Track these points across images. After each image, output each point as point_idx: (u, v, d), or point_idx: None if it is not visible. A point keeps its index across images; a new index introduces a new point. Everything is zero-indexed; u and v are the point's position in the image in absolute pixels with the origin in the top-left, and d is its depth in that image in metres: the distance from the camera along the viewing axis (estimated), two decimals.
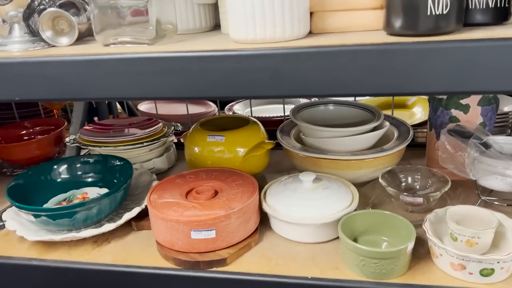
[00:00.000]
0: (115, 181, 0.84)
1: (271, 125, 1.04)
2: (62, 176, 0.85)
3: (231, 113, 1.28)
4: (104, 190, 0.86)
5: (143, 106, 1.33)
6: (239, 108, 1.30)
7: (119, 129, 1.03)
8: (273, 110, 1.32)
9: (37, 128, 1.18)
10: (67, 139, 1.01)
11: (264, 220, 0.75)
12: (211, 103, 1.36)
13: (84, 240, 0.75)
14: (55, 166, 0.85)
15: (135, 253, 0.71)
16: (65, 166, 0.86)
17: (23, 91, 0.56)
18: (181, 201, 0.70)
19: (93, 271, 0.69)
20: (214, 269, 0.66)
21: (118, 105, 1.35)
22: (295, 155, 0.87)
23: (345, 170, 0.82)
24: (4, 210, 0.88)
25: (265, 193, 0.76)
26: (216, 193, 0.74)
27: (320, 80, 0.48)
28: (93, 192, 0.86)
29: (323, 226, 0.69)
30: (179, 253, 0.67)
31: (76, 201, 0.83)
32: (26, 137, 1.17)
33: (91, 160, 0.87)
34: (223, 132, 0.90)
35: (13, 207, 0.80)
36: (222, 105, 1.37)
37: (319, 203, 0.70)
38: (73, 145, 0.97)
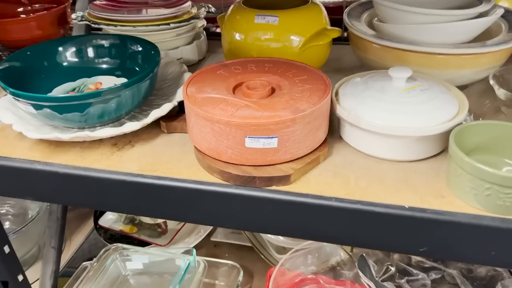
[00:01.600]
0: (137, 69, 0.65)
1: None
2: (70, 59, 0.66)
3: None
4: (123, 80, 0.67)
5: None
6: None
7: (136, 7, 0.81)
8: None
9: (36, 5, 0.97)
10: (73, 16, 0.80)
11: (332, 130, 0.58)
12: None
13: (100, 141, 0.59)
14: (61, 48, 0.66)
15: (167, 161, 0.55)
16: (74, 47, 0.66)
17: None
18: (229, 98, 0.52)
19: (113, 182, 0.53)
20: (274, 187, 0.50)
21: None
22: (370, 47, 0.66)
23: (440, 68, 0.62)
24: None
25: (336, 93, 0.58)
26: (273, 90, 0.55)
27: None
28: (109, 82, 0.67)
29: (422, 140, 0.51)
30: (227, 164, 0.51)
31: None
32: (24, 15, 0.96)
33: (106, 41, 0.67)
34: (275, 11, 0.68)
35: (8, 95, 0.63)
36: None
37: (418, 109, 0.51)
38: (82, 22, 0.76)
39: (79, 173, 0.54)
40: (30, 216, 0.97)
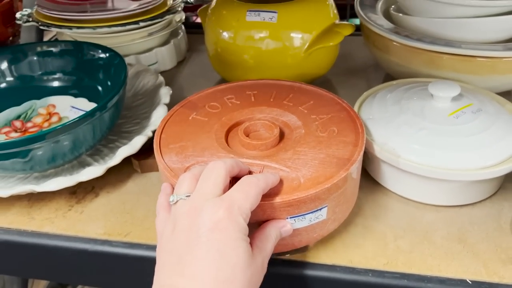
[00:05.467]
0: (99, 87, 0.51)
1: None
2: (8, 77, 0.51)
3: None
4: (82, 101, 0.53)
5: None
6: None
7: (100, 1, 0.66)
8: None
9: None
10: (17, 15, 0.64)
11: None
12: None
13: (54, 191, 0.45)
14: None
15: (142, 218, 0.41)
16: (10, 60, 0.51)
17: None
18: (231, 158, 0.36)
19: (71, 252, 0.40)
20: (287, 257, 0.37)
21: None
22: (391, 46, 0.53)
23: (482, 74, 0.49)
24: None
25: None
26: (281, 134, 0.40)
27: None
28: (64, 104, 0.53)
29: (479, 182, 0.39)
30: None
31: (38, 119, 0.51)
32: None
33: (56, 49, 0.52)
34: (272, 5, 0.54)
35: None
36: None
37: (473, 142, 0.39)
38: (28, 24, 0.61)
39: (25, 241, 0.40)
40: None
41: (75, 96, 0.53)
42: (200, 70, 0.68)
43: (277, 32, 0.53)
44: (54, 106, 0.53)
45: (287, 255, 0.37)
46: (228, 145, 0.39)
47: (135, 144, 0.45)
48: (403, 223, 0.39)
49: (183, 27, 0.72)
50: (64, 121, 0.51)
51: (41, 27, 0.60)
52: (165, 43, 0.68)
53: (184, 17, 0.72)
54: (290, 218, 0.33)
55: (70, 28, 0.58)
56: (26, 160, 0.41)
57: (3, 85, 0.51)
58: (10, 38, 0.78)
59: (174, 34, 0.70)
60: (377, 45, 0.56)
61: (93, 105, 0.52)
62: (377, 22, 0.55)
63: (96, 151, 0.48)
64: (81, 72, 0.51)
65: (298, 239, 0.35)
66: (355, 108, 0.45)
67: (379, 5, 0.60)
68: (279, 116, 0.42)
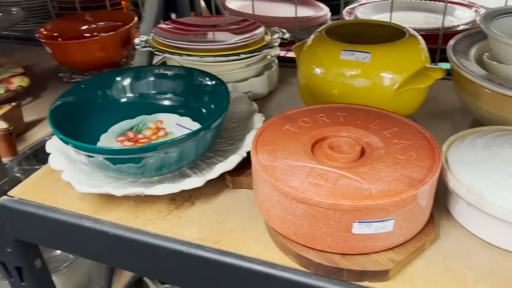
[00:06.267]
0: (203, 109, 0.57)
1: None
2: (128, 94, 0.59)
3: (352, 18, 0.92)
4: (186, 120, 0.59)
5: (234, 3, 1.01)
6: (364, 12, 0.94)
7: (204, 31, 0.74)
8: (415, 20, 0.95)
9: (101, 23, 0.93)
10: (136, 41, 0.73)
11: (436, 200, 0.46)
12: (322, 5, 1.01)
13: (156, 196, 0.51)
14: (119, 78, 0.59)
15: (231, 230, 0.46)
16: (132, 79, 0.59)
17: None
18: (315, 166, 0.41)
19: (168, 251, 0.45)
20: (366, 283, 0.39)
21: (202, 1, 1.04)
22: (483, 93, 0.54)
23: None
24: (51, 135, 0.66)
25: (445, 159, 0.46)
26: (362, 150, 0.44)
27: None
28: (171, 121, 0.60)
29: None
30: (307, 248, 0.40)
31: (147, 132, 0.58)
32: (88, 34, 0.92)
33: (170, 73, 0.59)
34: (366, 46, 0.58)
35: None
36: (333, 9, 1.02)
37: None
38: (145, 49, 0.70)
39: (130, 236, 0.46)
40: None
41: (181, 115, 0.60)
42: (288, 101, 0.73)
43: (369, 71, 0.56)
44: (161, 121, 0.60)
45: (365, 281, 0.39)
46: (312, 154, 0.44)
47: (232, 162, 0.50)
48: (485, 267, 0.40)
49: (276, 60, 0.78)
50: (170, 136, 0.58)
51: (156, 53, 0.69)
52: (259, 74, 0.74)
53: (279, 52, 0.77)
54: (357, 222, 0.36)
55: (180, 55, 0.66)
56: (139, 166, 0.48)
57: (124, 99, 0.59)
58: (124, 60, 0.90)
59: (268, 66, 0.75)
60: (468, 90, 0.57)
61: (195, 124, 0.59)
62: (469, 68, 0.56)
63: (195, 165, 0.54)
64: (189, 95, 0.58)
65: (362, 245, 0.38)
66: (443, 149, 0.46)
67: (472, 51, 0.61)
68: (363, 136, 0.46)
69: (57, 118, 0.51)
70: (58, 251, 0.97)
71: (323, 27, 0.66)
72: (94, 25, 0.92)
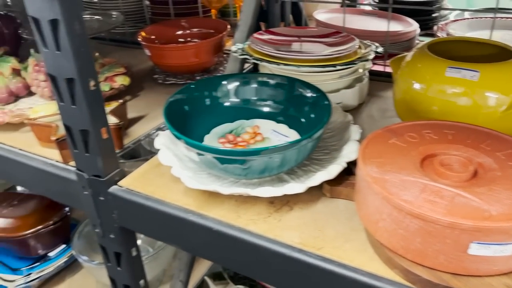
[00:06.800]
0: (302, 119, 0.58)
1: None
2: (232, 98, 0.62)
3: (444, 34, 0.90)
4: (282, 127, 0.61)
5: (322, 15, 1.03)
6: (457, 29, 0.91)
7: (297, 42, 0.76)
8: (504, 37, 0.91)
9: (195, 29, 0.97)
10: (233, 48, 0.77)
11: None
12: (411, 20, 1.00)
13: (256, 197, 0.53)
14: (225, 82, 0.62)
15: (332, 238, 0.47)
16: (237, 84, 0.62)
17: None
18: (427, 182, 0.41)
19: (269, 252, 0.46)
20: None
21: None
22: None
23: None
24: (156, 131, 0.70)
25: None
26: (474, 172, 0.43)
27: None
28: (267, 127, 0.62)
29: None
30: (415, 264, 0.40)
31: (245, 136, 0.61)
32: (181, 39, 0.97)
33: (273, 81, 0.61)
34: (474, 64, 0.56)
35: (167, 131, 0.61)
36: (422, 25, 1.00)
37: None
38: (242, 56, 0.73)
39: (233, 234, 0.48)
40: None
41: (277, 121, 0.62)
42: (379, 114, 0.73)
43: (476, 90, 0.55)
44: (258, 127, 0.62)
45: None
46: (422, 170, 0.44)
47: (332, 171, 0.51)
48: None
49: (367, 73, 0.78)
50: (267, 141, 0.60)
51: (253, 61, 0.71)
52: (350, 86, 0.74)
53: (372, 65, 0.78)
54: (475, 243, 0.36)
55: (277, 64, 0.68)
56: (244, 167, 0.50)
57: (227, 103, 0.62)
58: (213, 66, 0.94)
59: (359, 79, 0.76)
60: None
61: (292, 131, 0.60)
62: None
63: (292, 171, 0.55)
64: (288, 103, 0.60)
65: (476, 266, 0.38)
66: None
67: None
68: (474, 156, 0.45)
69: (170, 116, 0.54)
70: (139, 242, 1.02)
71: (424, 43, 0.65)
72: (188, 31, 0.97)
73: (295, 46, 0.75)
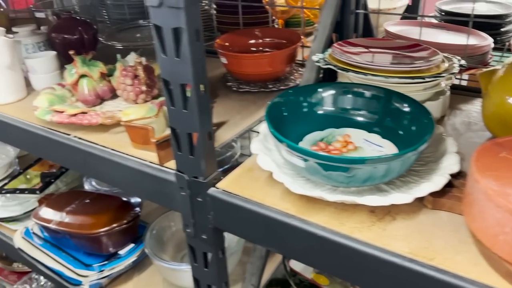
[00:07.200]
0: (400, 131, 0.59)
1: None
2: (325, 106, 0.64)
3: None
4: (374, 136, 0.62)
5: (394, 27, 1.03)
6: None
7: (379, 53, 0.76)
8: None
9: (267, 39, 0.99)
10: (314, 58, 0.78)
11: None
12: (485, 35, 0.99)
13: (355, 205, 0.54)
14: (320, 90, 0.63)
15: (441, 249, 0.47)
16: (337, 93, 0.63)
17: None
18: None
19: (378, 260, 0.47)
20: None
21: None
22: None
23: None
24: (245, 132, 0.72)
25: None
26: None
27: None
28: (358, 136, 0.63)
29: None
30: None
31: (337, 144, 0.62)
32: (254, 48, 0.99)
33: (368, 93, 0.62)
34: None
35: (262, 135, 0.63)
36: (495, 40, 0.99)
37: None
38: (326, 66, 0.74)
39: (339, 241, 0.49)
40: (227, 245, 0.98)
41: (369, 131, 0.62)
42: (462, 127, 0.72)
43: None
44: (349, 136, 0.63)
45: None
46: None
47: (439, 183, 0.51)
48: None
49: (449, 87, 0.78)
50: (360, 151, 0.61)
51: (338, 70, 0.72)
52: (432, 98, 0.74)
53: (454, 78, 0.77)
54: None
55: (365, 74, 0.69)
56: (348, 175, 0.51)
57: (320, 111, 0.63)
58: (285, 75, 0.95)
59: (441, 91, 0.76)
60: None
61: (385, 141, 0.61)
62: None
63: (390, 181, 0.56)
64: (384, 114, 0.61)
65: None
66: None
67: None
68: None
69: (271, 120, 0.56)
70: None
71: None
72: (260, 40, 0.99)
73: (378, 57, 0.75)
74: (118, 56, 0.85)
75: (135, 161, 0.66)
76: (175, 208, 0.64)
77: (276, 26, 1.23)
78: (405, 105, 0.59)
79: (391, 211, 0.53)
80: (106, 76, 0.86)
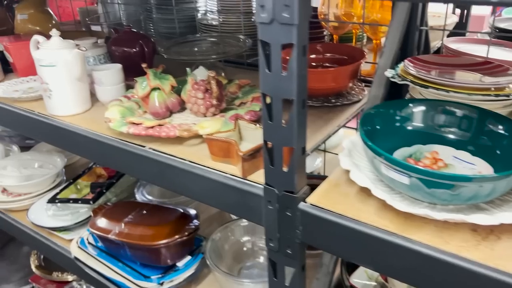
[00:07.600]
0: (497, 151, 0.58)
1: None
2: (415, 122, 0.63)
3: None
4: (463, 153, 0.61)
5: (455, 44, 1.03)
6: None
7: (452, 70, 0.76)
8: None
9: (328, 54, 1.00)
10: (388, 74, 0.78)
11: None
12: None
13: (456, 224, 0.53)
14: (411, 104, 0.63)
15: None
16: (428, 110, 0.64)
17: None
18: None
19: (494, 282, 0.46)
20: None
21: None
22: None
23: None
24: (318, 146, 0.72)
25: None
26: None
27: None
28: (446, 153, 0.62)
29: None
30: None
31: (426, 161, 0.61)
32: (314, 63, 1.00)
33: (460, 112, 0.62)
34: None
35: (347, 150, 0.63)
36: None
37: None
38: (402, 82, 0.74)
39: (447, 259, 0.48)
40: None
41: (457, 148, 0.62)
42: None
43: None
44: (437, 153, 0.63)
45: None
46: None
47: None
48: None
49: None
50: (450, 168, 0.61)
51: (416, 86, 0.72)
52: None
53: None
54: None
55: (447, 91, 0.68)
56: (453, 193, 0.50)
57: (409, 127, 0.63)
58: (347, 92, 0.95)
59: None
60: None
61: (476, 159, 0.60)
62: None
63: (490, 202, 0.55)
64: (478, 133, 0.60)
65: None
66: None
67: None
68: None
69: (364, 134, 0.56)
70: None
71: None
72: (321, 56, 1.00)
73: (455, 73, 0.75)
74: (188, 70, 0.86)
75: (218, 174, 0.66)
76: (259, 221, 0.64)
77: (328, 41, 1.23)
78: (501, 126, 0.59)
79: (494, 230, 0.52)
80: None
